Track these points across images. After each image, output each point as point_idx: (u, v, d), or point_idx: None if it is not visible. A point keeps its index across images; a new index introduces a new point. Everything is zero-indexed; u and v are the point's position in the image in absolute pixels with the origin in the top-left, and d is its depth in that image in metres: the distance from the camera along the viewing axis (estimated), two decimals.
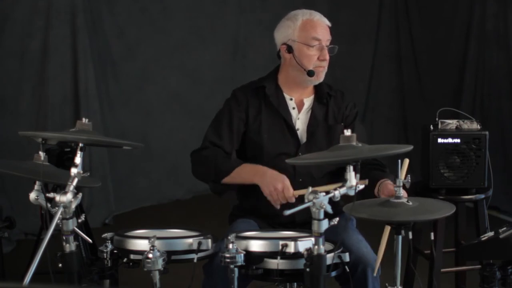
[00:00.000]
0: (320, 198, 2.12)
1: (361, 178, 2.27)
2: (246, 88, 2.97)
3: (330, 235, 2.38)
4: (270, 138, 2.89)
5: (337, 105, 2.97)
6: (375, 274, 2.58)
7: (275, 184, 2.67)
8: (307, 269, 2.18)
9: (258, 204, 2.79)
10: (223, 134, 2.88)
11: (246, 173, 2.78)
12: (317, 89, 2.96)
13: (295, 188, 2.70)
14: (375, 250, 2.64)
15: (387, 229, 2.50)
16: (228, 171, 2.79)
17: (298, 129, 2.92)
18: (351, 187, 2.20)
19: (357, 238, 2.70)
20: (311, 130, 2.90)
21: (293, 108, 2.94)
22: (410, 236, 2.30)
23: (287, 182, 2.68)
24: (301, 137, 2.91)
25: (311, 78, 2.87)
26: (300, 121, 2.93)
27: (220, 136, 2.88)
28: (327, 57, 2.87)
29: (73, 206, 2.23)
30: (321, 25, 2.89)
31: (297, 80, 2.92)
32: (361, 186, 2.22)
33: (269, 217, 2.82)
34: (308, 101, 2.96)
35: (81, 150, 2.28)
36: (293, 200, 2.65)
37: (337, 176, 2.70)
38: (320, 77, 2.90)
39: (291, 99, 2.94)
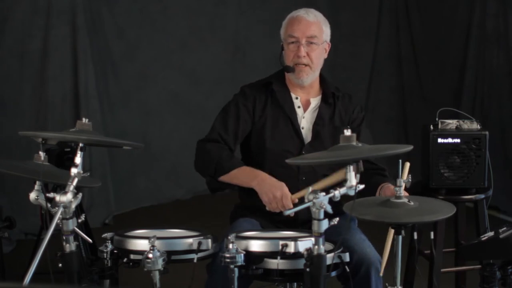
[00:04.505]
0: (320, 198, 2.12)
1: (362, 183, 2.26)
2: (254, 85, 2.98)
3: (332, 235, 2.38)
4: (273, 134, 2.89)
5: (344, 107, 2.96)
6: (381, 275, 2.57)
7: (274, 192, 2.67)
8: (307, 269, 2.17)
9: (260, 203, 2.78)
10: (229, 127, 2.88)
11: (245, 175, 2.77)
12: (324, 89, 2.96)
13: (299, 186, 2.70)
14: (377, 249, 2.64)
15: (391, 231, 2.50)
16: (228, 169, 2.79)
17: (303, 128, 2.92)
18: (351, 187, 2.20)
19: (360, 238, 2.69)
20: (316, 130, 2.90)
21: (299, 107, 2.94)
22: (415, 237, 2.30)
23: (285, 190, 2.68)
24: (306, 136, 2.91)
25: (294, 75, 2.87)
26: (306, 120, 2.93)
27: (226, 130, 2.88)
28: (301, 53, 2.83)
29: (73, 206, 2.23)
30: (299, 22, 2.86)
31: (290, 78, 2.92)
32: (361, 186, 2.22)
33: (271, 216, 2.82)
34: (314, 101, 2.95)
35: (81, 150, 2.28)
36: (291, 207, 2.63)
37: None
38: (300, 76, 2.87)
39: (296, 98, 2.95)
